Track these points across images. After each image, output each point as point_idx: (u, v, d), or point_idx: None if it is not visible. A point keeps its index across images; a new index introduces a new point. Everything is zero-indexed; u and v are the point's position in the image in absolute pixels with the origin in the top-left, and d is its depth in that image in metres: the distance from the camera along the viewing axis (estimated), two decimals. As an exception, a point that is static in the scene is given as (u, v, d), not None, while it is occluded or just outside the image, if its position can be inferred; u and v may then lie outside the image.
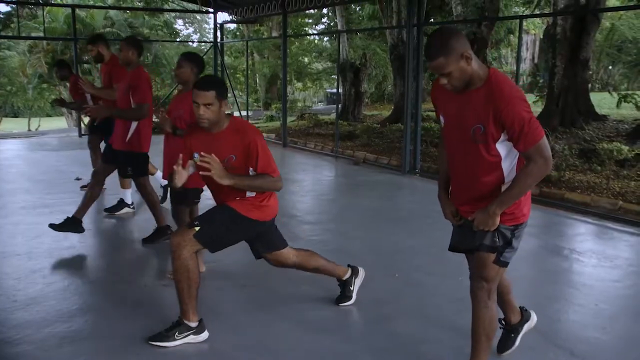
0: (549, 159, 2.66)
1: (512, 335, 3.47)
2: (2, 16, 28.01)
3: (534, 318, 3.58)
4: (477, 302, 3.00)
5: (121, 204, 6.72)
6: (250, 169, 3.51)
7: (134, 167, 5.58)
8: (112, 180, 6.46)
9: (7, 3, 18.77)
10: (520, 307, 3.50)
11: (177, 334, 3.56)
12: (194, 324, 3.61)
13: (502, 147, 2.72)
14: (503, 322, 3.46)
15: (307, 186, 9.04)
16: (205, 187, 4.19)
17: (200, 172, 3.44)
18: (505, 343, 3.46)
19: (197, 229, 3.49)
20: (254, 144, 3.46)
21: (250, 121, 17.12)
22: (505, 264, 2.97)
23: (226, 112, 3.59)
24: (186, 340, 3.58)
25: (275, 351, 3.56)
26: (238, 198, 3.63)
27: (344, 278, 4.20)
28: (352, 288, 4.20)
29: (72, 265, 5.13)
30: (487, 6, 14.02)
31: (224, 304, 4.21)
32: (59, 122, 26.40)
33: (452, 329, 3.83)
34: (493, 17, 14.16)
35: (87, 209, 5.59)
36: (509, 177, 2.79)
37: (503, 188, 2.78)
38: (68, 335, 3.75)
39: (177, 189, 3.62)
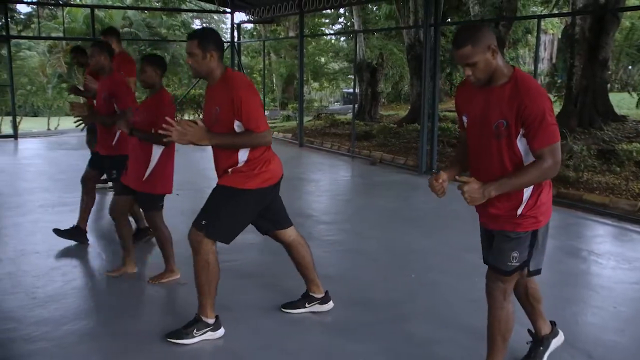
0: (559, 164, 2.68)
1: (541, 348, 3.33)
2: (22, 17, 28.39)
3: (561, 336, 3.45)
4: (493, 302, 2.99)
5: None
6: (236, 122, 3.42)
7: (118, 170, 5.52)
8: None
9: (28, 4, 18.97)
10: (550, 321, 3.41)
11: (195, 330, 3.59)
12: (211, 321, 3.63)
13: (522, 144, 2.73)
14: (532, 334, 3.37)
15: (324, 186, 9.05)
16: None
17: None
18: (534, 358, 3.32)
19: (205, 228, 3.49)
20: (237, 99, 3.37)
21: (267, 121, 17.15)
22: (537, 272, 2.99)
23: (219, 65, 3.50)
24: (204, 337, 3.60)
25: (290, 351, 3.57)
26: (230, 170, 3.54)
27: (312, 294, 4.08)
28: (307, 306, 4.06)
29: (90, 263, 5.18)
30: (505, 6, 13.94)
31: (240, 303, 4.22)
32: (78, 122, 26.64)
33: (466, 329, 3.82)
34: (511, 17, 14.07)
35: (87, 218, 5.58)
36: None
37: (525, 189, 2.79)
38: (86, 332, 3.79)
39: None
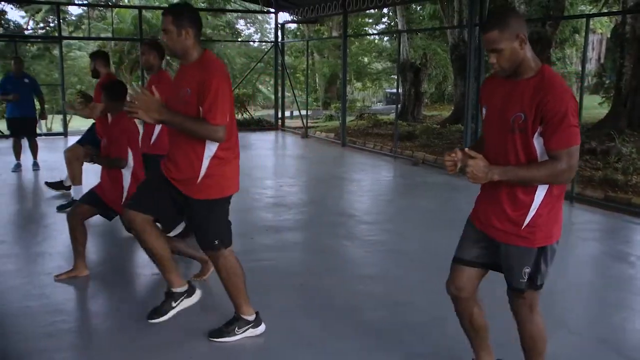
0: (573, 169, 2.51)
1: None
2: (73, 18, 29.15)
3: None
4: (521, 319, 2.88)
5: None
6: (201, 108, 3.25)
7: (152, 170, 5.49)
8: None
9: (79, 5, 19.47)
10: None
11: (236, 329, 3.63)
12: (251, 317, 3.66)
13: (539, 143, 2.58)
14: None
15: (366, 186, 9.05)
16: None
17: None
18: None
19: (219, 245, 3.46)
20: (207, 83, 3.19)
21: (309, 121, 17.35)
22: (540, 287, 2.79)
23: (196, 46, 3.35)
24: (246, 334, 3.64)
25: (330, 351, 3.59)
26: (200, 177, 3.36)
27: (174, 290, 3.83)
28: (174, 305, 3.84)
29: (138, 258, 5.29)
30: (552, 5, 13.70)
31: (281, 302, 4.26)
32: (125, 120, 27.21)
33: (509, 334, 3.77)
34: (558, 16, 13.83)
35: None
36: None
37: (538, 190, 2.62)
38: (131, 327, 3.86)
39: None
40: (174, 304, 3.80)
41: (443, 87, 27.06)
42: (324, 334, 3.79)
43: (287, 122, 17.65)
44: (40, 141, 9.62)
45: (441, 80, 26.04)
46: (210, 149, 3.33)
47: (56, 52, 19.08)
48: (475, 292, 2.99)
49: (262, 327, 3.72)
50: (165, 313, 3.79)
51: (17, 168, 9.20)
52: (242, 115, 17.49)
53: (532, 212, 2.64)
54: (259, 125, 16.90)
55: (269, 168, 10.82)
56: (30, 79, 9.48)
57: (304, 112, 16.48)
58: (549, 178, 2.54)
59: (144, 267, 5.02)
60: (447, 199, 8.21)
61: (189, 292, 3.86)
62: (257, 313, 3.71)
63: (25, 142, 9.33)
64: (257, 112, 21.62)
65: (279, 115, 16.71)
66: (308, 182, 9.42)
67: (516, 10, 2.88)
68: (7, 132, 10.40)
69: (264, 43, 29.70)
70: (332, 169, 10.61)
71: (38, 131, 9.74)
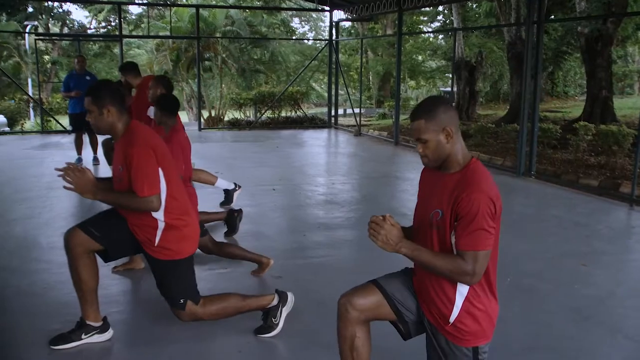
0: (477, 275, 2.34)
1: None
2: (133, 17, 29.97)
3: None
4: None
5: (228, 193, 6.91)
6: None
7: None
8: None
9: (139, 5, 19.96)
10: None
11: (273, 318, 3.70)
12: (275, 301, 3.72)
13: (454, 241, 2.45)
14: None
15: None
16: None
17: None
18: None
19: (188, 303, 3.46)
20: (129, 156, 3.21)
21: (362, 119, 17.32)
22: None
23: (121, 120, 3.33)
24: (283, 316, 3.72)
25: (384, 348, 3.59)
26: (157, 242, 3.38)
27: (88, 322, 3.57)
28: (84, 337, 3.56)
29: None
30: (614, 1, 13.29)
31: (333, 299, 4.26)
32: (181, 116, 27.76)
33: (566, 338, 3.71)
34: (620, 13, 13.41)
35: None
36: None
37: (458, 290, 2.46)
38: (175, 332, 3.97)
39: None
40: (83, 336, 3.54)
41: (498, 85, 26.66)
42: (375, 332, 3.79)
43: (340, 120, 17.67)
44: (100, 137, 9.92)
45: (496, 79, 25.65)
46: (159, 218, 3.34)
47: (117, 50, 19.64)
48: (367, 320, 2.86)
49: (290, 297, 3.80)
50: (71, 342, 3.52)
51: (79, 162, 9.51)
52: (296, 112, 17.63)
53: (456, 310, 2.48)
54: (312, 122, 16.99)
55: (322, 165, 10.86)
56: (92, 76, 9.80)
57: (357, 110, 16.48)
58: (451, 273, 2.37)
59: (199, 262, 5.12)
60: (502, 199, 8.07)
61: (102, 329, 3.62)
62: (276, 291, 3.78)
63: (86, 138, 9.66)
64: (310, 110, 21.72)
65: (332, 113, 16.76)
66: (360, 180, 9.43)
67: (448, 103, 2.64)
68: (69, 128, 10.77)
69: (318, 41, 29.84)
70: (384, 167, 10.58)
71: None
